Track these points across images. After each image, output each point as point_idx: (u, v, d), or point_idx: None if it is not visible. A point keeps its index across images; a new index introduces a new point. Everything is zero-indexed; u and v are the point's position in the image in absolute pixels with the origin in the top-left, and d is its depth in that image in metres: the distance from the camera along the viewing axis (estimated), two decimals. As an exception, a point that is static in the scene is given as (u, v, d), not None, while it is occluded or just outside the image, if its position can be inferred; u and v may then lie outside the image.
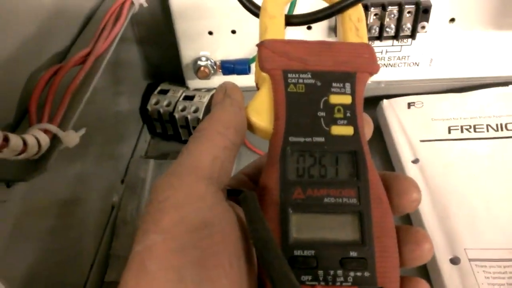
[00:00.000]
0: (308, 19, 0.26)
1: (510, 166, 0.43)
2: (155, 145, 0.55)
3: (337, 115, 0.21)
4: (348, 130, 0.21)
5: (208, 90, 0.53)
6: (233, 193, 0.20)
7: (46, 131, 0.26)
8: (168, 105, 0.52)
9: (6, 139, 0.22)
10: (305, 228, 0.19)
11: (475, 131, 0.47)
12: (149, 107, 0.52)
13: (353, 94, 0.22)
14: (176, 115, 0.51)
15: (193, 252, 0.16)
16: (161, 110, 0.51)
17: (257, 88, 0.23)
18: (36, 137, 0.24)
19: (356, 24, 0.24)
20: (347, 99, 0.21)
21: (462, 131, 0.47)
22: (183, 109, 0.51)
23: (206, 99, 0.52)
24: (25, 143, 0.23)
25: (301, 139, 0.21)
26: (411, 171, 0.44)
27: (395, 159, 0.47)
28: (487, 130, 0.47)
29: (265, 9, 0.24)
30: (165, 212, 0.16)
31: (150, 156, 0.53)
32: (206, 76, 0.50)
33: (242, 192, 0.19)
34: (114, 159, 0.47)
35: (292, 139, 0.20)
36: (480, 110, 0.49)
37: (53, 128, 0.26)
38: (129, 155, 0.50)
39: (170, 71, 0.54)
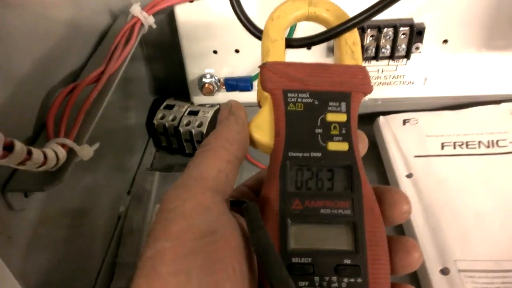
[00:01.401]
0: (306, 42, 0.29)
1: (500, 181, 0.45)
2: (160, 158, 0.57)
3: (333, 132, 0.23)
4: (343, 146, 0.22)
5: (212, 105, 0.56)
6: (236, 204, 0.22)
7: (63, 145, 0.28)
8: (173, 119, 0.54)
9: (29, 153, 0.24)
10: (303, 237, 0.20)
11: (467, 147, 0.49)
12: (155, 122, 0.54)
13: (348, 112, 0.23)
14: (181, 129, 0.53)
15: (199, 257, 0.17)
16: (167, 125, 0.54)
17: (259, 105, 0.25)
18: (55, 151, 0.27)
19: (351, 47, 0.26)
20: (342, 117, 0.23)
21: (454, 148, 0.49)
22: (188, 124, 0.53)
23: (210, 114, 0.54)
24: (45, 156, 0.25)
25: (300, 154, 0.22)
26: (405, 185, 0.46)
27: (390, 173, 0.49)
28: (479, 147, 0.49)
29: (267, 33, 0.26)
30: (174, 220, 0.18)
31: (155, 169, 0.55)
32: (210, 93, 0.52)
33: (244, 203, 0.21)
34: (121, 171, 0.49)
35: (291, 154, 0.22)
36: (472, 127, 0.51)
37: (69, 142, 0.28)
38: (135, 167, 0.52)
39: (176, 87, 0.57)
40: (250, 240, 0.19)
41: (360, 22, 0.26)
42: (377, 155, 0.53)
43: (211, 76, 0.52)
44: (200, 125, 0.53)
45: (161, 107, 0.56)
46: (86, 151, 0.29)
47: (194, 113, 0.54)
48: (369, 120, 0.56)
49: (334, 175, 0.22)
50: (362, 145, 0.24)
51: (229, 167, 0.21)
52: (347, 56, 0.26)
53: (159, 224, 0.18)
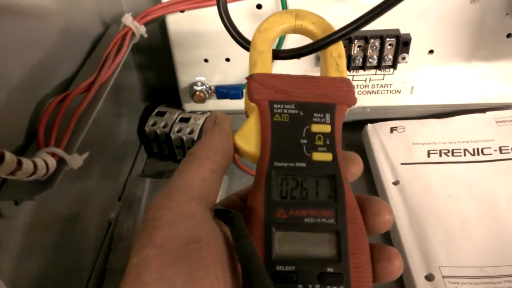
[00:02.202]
0: (293, 54, 0.29)
1: (484, 189, 0.46)
2: (151, 164, 0.58)
3: (318, 143, 0.23)
4: (327, 156, 0.23)
5: (203, 112, 0.56)
6: (221, 213, 0.22)
7: (53, 154, 0.29)
8: (164, 126, 0.55)
9: (19, 163, 0.24)
10: (287, 245, 0.21)
11: (453, 155, 0.50)
12: (146, 128, 0.55)
13: (332, 123, 0.24)
14: (172, 136, 0.53)
15: (183, 264, 0.18)
16: (158, 131, 0.54)
17: (246, 115, 0.25)
18: (45, 160, 0.27)
19: (336, 60, 0.27)
20: (327, 128, 0.24)
21: (440, 155, 0.50)
22: (179, 131, 0.54)
23: (200, 121, 0.55)
24: (35, 166, 0.26)
25: (285, 164, 0.22)
26: (392, 192, 0.47)
27: (377, 181, 0.50)
28: (464, 155, 0.50)
29: (255, 45, 0.27)
30: (159, 229, 0.18)
31: (146, 175, 0.55)
32: (201, 100, 0.53)
33: (229, 212, 0.21)
34: (112, 177, 0.50)
35: (276, 163, 0.22)
36: (458, 135, 0.52)
37: (59, 151, 0.29)
38: (126, 173, 0.53)
39: (167, 94, 0.58)
40: (234, 248, 0.20)
41: (345, 35, 0.27)
42: (365, 162, 0.53)
43: (202, 84, 0.53)
44: (191, 132, 0.54)
45: (153, 114, 0.56)
46: (76, 160, 0.30)
47: (185, 120, 0.55)
48: (357, 127, 0.56)
49: (318, 184, 0.22)
50: (357, 168, 0.24)
51: (212, 176, 0.21)
52: (332, 68, 0.27)
53: (144, 232, 0.19)
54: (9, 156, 0.23)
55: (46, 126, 0.31)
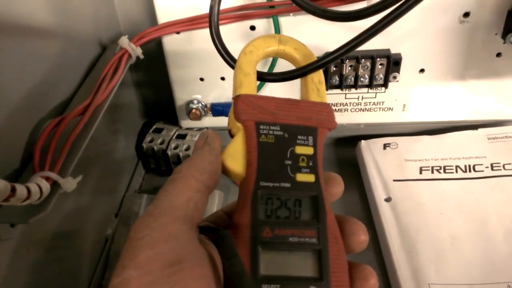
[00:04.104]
0: (278, 78, 0.31)
1: (475, 206, 0.47)
2: (149, 180, 0.59)
3: (301, 164, 0.24)
4: (310, 178, 0.24)
5: (200, 129, 0.58)
6: (207, 231, 0.23)
7: (47, 178, 0.30)
8: (161, 143, 0.56)
9: (13, 189, 0.25)
10: (272, 264, 0.22)
11: (444, 172, 0.51)
12: (144, 145, 0.56)
13: (315, 146, 0.25)
14: (169, 152, 0.55)
15: (164, 286, 0.18)
16: (155, 148, 0.55)
17: (230, 134, 0.26)
18: (39, 185, 0.28)
19: (317, 85, 0.28)
20: (310, 150, 0.25)
21: (432, 172, 0.51)
22: (176, 147, 0.55)
23: (197, 138, 0.56)
24: (29, 191, 0.27)
25: (270, 184, 0.23)
26: (384, 209, 0.48)
27: (370, 197, 0.51)
28: (456, 171, 0.51)
29: (240, 66, 0.28)
30: (141, 249, 0.18)
31: (144, 190, 0.57)
32: (198, 118, 0.54)
33: (216, 230, 0.22)
34: (110, 193, 0.51)
35: (262, 183, 0.23)
36: (450, 152, 0.52)
37: (53, 175, 0.30)
38: (124, 189, 0.54)
39: (165, 111, 0.59)
40: (224, 267, 0.20)
41: (327, 63, 0.28)
42: (358, 178, 0.54)
43: (198, 102, 0.54)
44: (187, 148, 0.55)
45: (150, 131, 0.58)
46: (69, 184, 0.31)
47: (182, 136, 0.56)
48: (352, 143, 0.57)
49: (302, 204, 0.23)
50: (338, 188, 0.25)
51: (198, 196, 0.22)
52: (313, 93, 0.28)
53: (127, 252, 0.19)
54: (2, 184, 0.24)
55: (42, 150, 0.32)
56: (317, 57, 0.29)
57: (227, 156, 0.24)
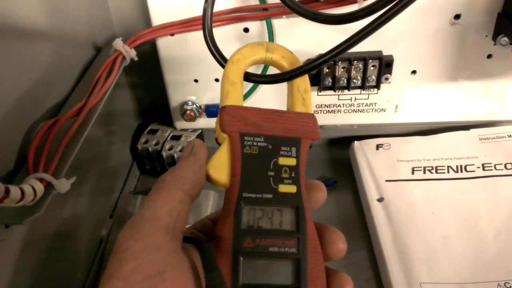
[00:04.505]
0: (262, 80, 0.31)
1: (466, 206, 0.47)
2: (144, 181, 0.59)
3: (284, 175, 0.25)
4: (292, 189, 0.25)
5: (194, 130, 0.58)
6: (190, 241, 0.24)
7: (41, 180, 0.30)
8: (156, 144, 0.56)
9: (7, 191, 0.26)
10: (253, 273, 0.22)
11: (436, 172, 0.51)
12: (139, 146, 0.56)
13: (297, 157, 0.26)
14: (164, 153, 0.55)
15: None
16: (150, 149, 0.56)
17: (217, 142, 0.27)
18: (33, 186, 0.29)
19: (303, 94, 0.29)
20: (292, 161, 0.25)
21: (424, 172, 0.51)
22: (170, 148, 0.55)
23: (191, 139, 0.56)
24: (22, 192, 0.27)
25: (253, 195, 0.24)
26: (376, 209, 0.48)
27: (362, 197, 0.51)
28: (448, 172, 0.51)
29: (227, 75, 0.28)
30: (125, 260, 0.19)
31: (139, 192, 0.57)
32: (192, 119, 0.55)
33: (198, 241, 0.23)
34: (104, 194, 0.51)
35: (245, 194, 0.24)
36: (442, 152, 0.53)
37: (47, 177, 0.30)
38: (119, 190, 0.54)
39: (159, 112, 0.59)
40: (205, 280, 0.21)
41: (311, 69, 0.29)
42: (352, 179, 0.55)
43: (193, 103, 0.54)
44: (182, 149, 0.55)
45: (145, 132, 0.58)
46: (63, 185, 0.31)
47: (176, 137, 0.57)
48: (345, 144, 0.58)
49: (283, 215, 0.24)
50: (320, 195, 0.26)
51: (180, 206, 0.22)
52: (299, 102, 0.28)
53: (112, 263, 0.20)
54: (-4, 186, 0.24)
55: (36, 151, 0.32)
56: (308, 59, 0.29)
57: (212, 166, 0.25)
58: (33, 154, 0.32)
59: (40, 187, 0.29)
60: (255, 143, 0.25)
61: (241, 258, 0.22)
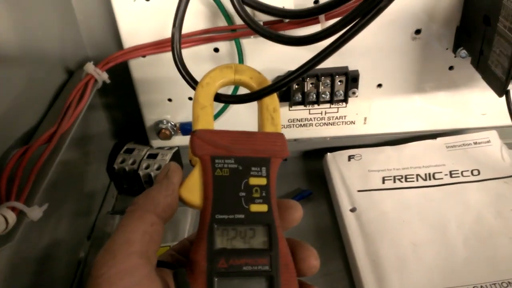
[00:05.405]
0: (232, 100, 0.32)
1: (435, 213, 0.49)
2: (122, 200, 0.59)
3: (255, 195, 0.26)
4: (263, 208, 0.26)
5: (171, 148, 0.59)
6: (165, 265, 0.25)
7: (13, 208, 0.31)
8: (133, 163, 0.57)
9: (-23, 222, 0.26)
10: None
11: (406, 180, 0.53)
12: (115, 166, 0.57)
13: (268, 176, 0.27)
14: (140, 172, 0.55)
15: None
16: (127, 168, 0.56)
17: (191, 163, 0.28)
18: (4, 216, 0.29)
19: (272, 114, 0.30)
20: (263, 181, 0.26)
21: (394, 181, 0.53)
22: (147, 167, 0.56)
23: (168, 157, 0.57)
24: (-6, 222, 0.28)
25: (225, 216, 0.25)
26: (349, 219, 0.49)
27: (336, 208, 0.53)
28: (417, 180, 0.53)
29: (197, 99, 0.29)
30: (101, 286, 0.20)
31: (117, 211, 0.57)
32: (167, 137, 0.55)
33: (173, 266, 0.23)
34: (82, 216, 0.51)
35: (218, 216, 0.25)
36: (411, 161, 0.55)
37: (19, 205, 0.31)
38: (96, 211, 0.55)
39: (135, 131, 0.60)
40: None
41: (278, 88, 0.30)
42: (327, 190, 0.56)
43: (167, 122, 0.55)
44: (158, 168, 0.56)
45: (121, 151, 0.58)
46: (35, 213, 0.31)
47: (153, 156, 0.57)
48: (319, 155, 0.59)
49: (255, 234, 0.25)
50: (296, 215, 0.27)
51: (153, 228, 0.23)
52: (268, 122, 0.29)
53: None
54: (-34, 218, 0.25)
55: (8, 179, 0.33)
56: (278, 76, 0.30)
57: (185, 189, 0.25)
58: (5, 183, 0.32)
59: (12, 216, 0.30)
60: (226, 165, 0.26)
61: (216, 279, 0.23)
